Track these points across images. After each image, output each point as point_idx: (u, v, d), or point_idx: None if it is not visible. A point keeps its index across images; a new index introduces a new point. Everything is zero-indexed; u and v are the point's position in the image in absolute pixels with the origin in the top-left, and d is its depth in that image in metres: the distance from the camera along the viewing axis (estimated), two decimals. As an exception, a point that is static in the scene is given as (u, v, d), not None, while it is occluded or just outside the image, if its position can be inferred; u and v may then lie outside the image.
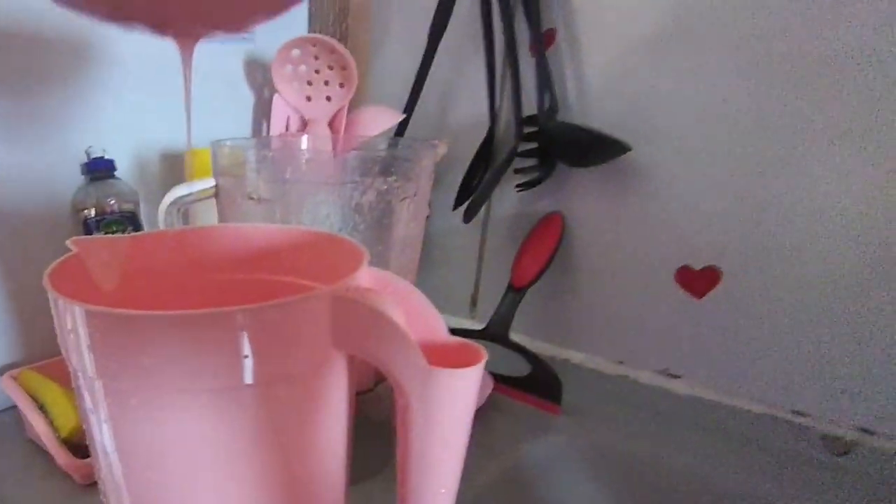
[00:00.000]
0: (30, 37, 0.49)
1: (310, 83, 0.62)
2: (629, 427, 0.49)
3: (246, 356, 0.21)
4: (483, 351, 0.24)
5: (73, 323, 0.21)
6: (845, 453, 0.47)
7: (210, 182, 0.44)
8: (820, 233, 0.46)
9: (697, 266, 0.52)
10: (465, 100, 0.65)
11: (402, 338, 0.22)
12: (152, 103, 0.57)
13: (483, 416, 0.48)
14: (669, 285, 0.54)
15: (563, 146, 0.55)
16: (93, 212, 0.50)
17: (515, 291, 0.58)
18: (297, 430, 0.24)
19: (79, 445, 0.41)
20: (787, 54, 0.45)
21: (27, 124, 0.51)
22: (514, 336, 0.57)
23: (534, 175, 0.58)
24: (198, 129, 0.43)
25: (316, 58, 0.60)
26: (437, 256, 0.71)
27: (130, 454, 0.23)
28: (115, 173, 0.53)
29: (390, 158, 0.42)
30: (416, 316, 0.25)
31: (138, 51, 0.55)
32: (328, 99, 0.62)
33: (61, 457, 0.40)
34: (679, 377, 0.55)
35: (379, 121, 0.61)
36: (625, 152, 0.52)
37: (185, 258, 0.31)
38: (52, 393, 0.44)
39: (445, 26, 0.59)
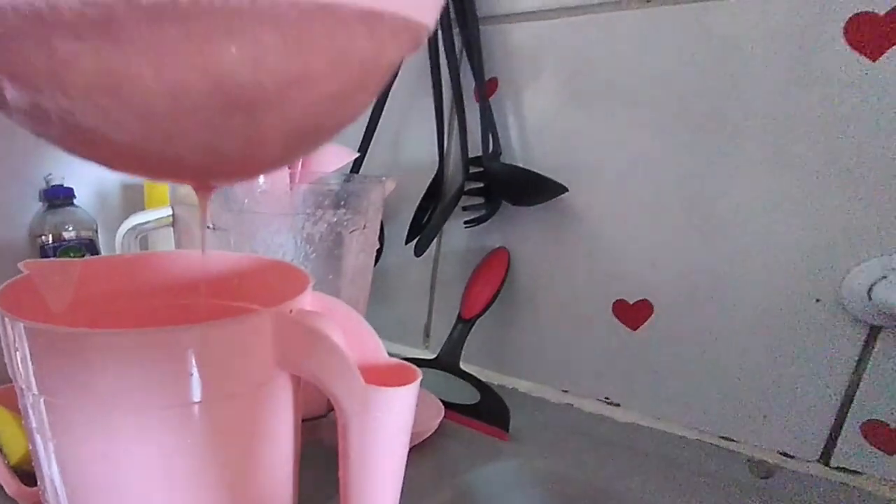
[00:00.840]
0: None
1: None
2: (573, 452, 0.50)
3: (192, 374, 0.21)
4: (417, 371, 0.25)
5: (17, 340, 0.21)
6: (768, 476, 0.49)
7: (167, 211, 0.44)
8: (745, 269, 0.49)
9: (631, 300, 0.55)
10: (415, 141, 0.67)
11: (339, 357, 0.23)
12: None
13: (434, 442, 0.49)
14: (608, 317, 0.56)
15: (506, 186, 0.58)
16: (50, 238, 0.50)
17: (465, 322, 0.59)
18: (243, 447, 0.24)
19: (28, 473, 0.39)
20: (703, 111, 0.49)
21: None
22: (465, 365, 0.59)
23: (481, 212, 0.60)
24: None
25: None
26: (391, 289, 0.72)
27: (76, 474, 0.23)
28: (75, 201, 0.53)
29: (341, 193, 0.44)
30: (356, 338, 0.26)
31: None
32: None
33: (9, 484, 0.39)
34: (618, 405, 0.57)
35: (335, 158, 0.62)
36: (562, 193, 0.54)
37: (137, 283, 0.31)
38: (1, 420, 0.42)
39: (397, 73, 0.61)
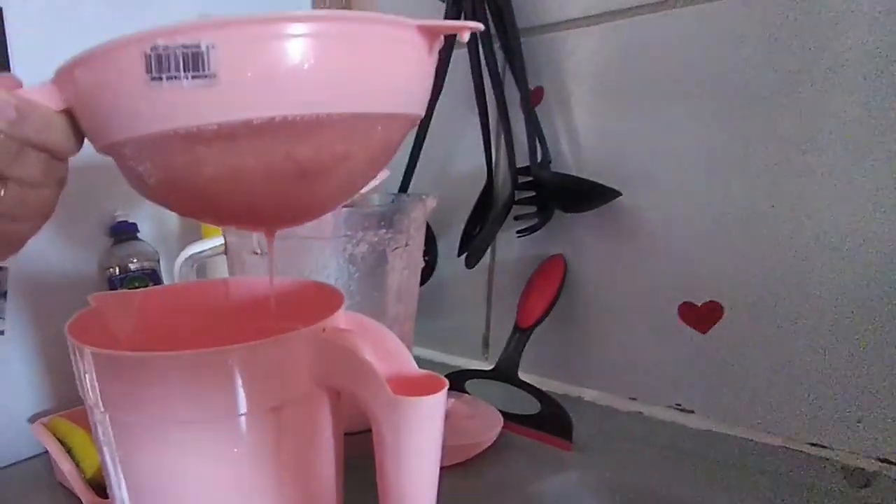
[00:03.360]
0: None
1: None
2: (643, 462, 0.50)
3: (237, 390, 0.25)
4: (444, 380, 0.27)
5: (85, 363, 0.26)
6: (867, 485, 0.47)
7: (220, 240, 0.49)
8: (822, 260, 0.48)
9: (699, 302, 0.55)
10: (463, 154, 0.70)
11: (369, 370, 0.26)
12: None
13: (494, 454, 0.51)
14: (674, 321, 0.56)
15: (558, 194, 0.60)
16: (117, 270, 0.56)
17: (522, 331, 0.61)
18: (288, 456, 0.28)
19: (103, 486, 0.46)
20: (762, 100, 0.49)
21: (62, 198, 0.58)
22: (524, 375, 0.60)
23: (533, 221, 0.62)
24: None
25: None
26: (447, 302, 0.75)
27: (138, 483, 0.27)
28: (139, 235, 0.60)
29: (382, 213, 0.47)
30: (386, 352, 0.29)
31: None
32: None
33: (86, 495, 0.45)
34: (692, 412, 0.57)
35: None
36: (615, 198, 0.56)
37: (191, 308, 0.36)
38: (78, 437, 0.49)
39: (440, 89, 0.65)
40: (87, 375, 0.26)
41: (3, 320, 0.55)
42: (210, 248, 0.48)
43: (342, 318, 0.30)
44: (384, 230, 0.45)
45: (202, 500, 0.27)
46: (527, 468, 0.50)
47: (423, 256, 0.58)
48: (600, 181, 0.56)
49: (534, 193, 0.62)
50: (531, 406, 0.57)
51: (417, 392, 0.26)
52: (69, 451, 0.49)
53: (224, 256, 0.49)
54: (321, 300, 0.33)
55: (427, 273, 0.73)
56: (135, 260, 0.57)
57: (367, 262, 0.45)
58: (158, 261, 0.60)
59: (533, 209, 0.62)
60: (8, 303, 0.55)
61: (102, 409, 0.26)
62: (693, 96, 0.52)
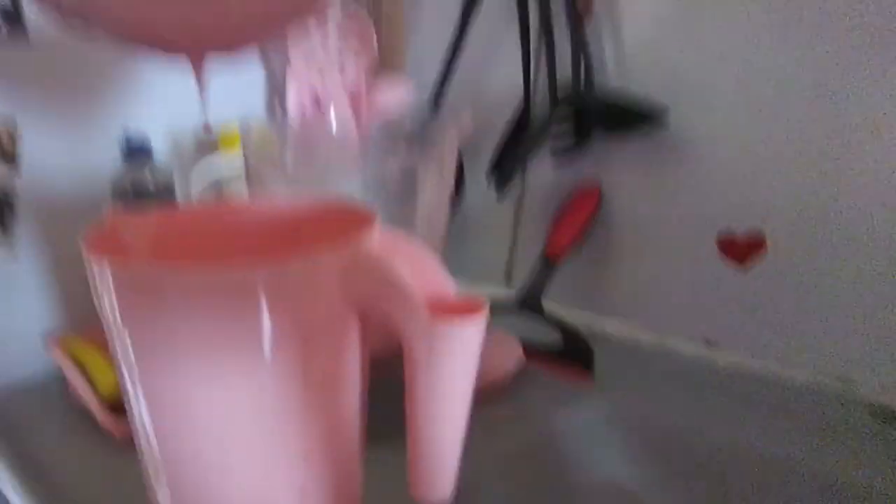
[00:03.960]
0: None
1: (321, 54, 0.63)
2: (667, 398, 0.50)
3: (263, 310, 0.23)
4: (484, 303, 0.25)
5: (101, 277, 0.24)
6: (893, 421, 0.46)
7: (239, 158, 0.47)
8: (872, 201, 0.46)
9: (740, 231, 0.52)
10: (500, 71, 0.67)
11: (405, 291, 0.24)
12: (180, 83, 0.59)
13: (513, 386, 0.50)
14: (711, 253, 0.54)
15: (599, 114, 0.57)
16: (131, 189, 0.55)
17: (549, 261, 0.59)
18: (315, 381, 0.26)
19: (117, 406, 0.45)
20: (819, 15, 0.45)
21: (67, 113, 0.56)
22: (549, 306, 0.59)
23: (571, 141, 0.59)
24: (216, 104, 0.47)
25: (331, 26, 0.61)
26: (472, 229, 0.73)
27: (158, 407, 0.26)
28: (151, 152, 0.57)
29: (413, 130, 0.44)
30: (422, 272, 0.27)
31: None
32: (341, 69, 0.63)
33: (101, 415, 0.45)
34: (720, 347, 0.55)
35: (396, 94, 0.63)
36: (662, 116, 0.53)
37: (212, 230, 0.34)
38: (92, 357, 0.48)
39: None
40: (104, 289, 0.24)
41: (15, 241, 0.54)
42: (228, 167, 0.46)
43: (375, 237, 0.27)
44: (416, 147, 0.42)
45: (224, 422, 0.25)
46: (546, 401, 0.49)
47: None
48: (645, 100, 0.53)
49: (572, 112, 0.58)
50: (553, 338, 0.56)
51: (455, 314, 0.24)
52: (83, 371, 0.48)
53: (243, 176, 0.47)
54: (352, 219, 0.30)
55: (453, 200, 0.71)
56: (149, 177, 0.55)
57: (397, 183, 0.42)
58: (172, 178, 0.57)
59: (569, 128, 0.59)
60: (19, 221, 0.54)
61: (120, 327, 0.24)
62: (751, 8, 0.48)
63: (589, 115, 0.57)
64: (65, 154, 0.56)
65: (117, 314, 0.24)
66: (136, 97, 0.60)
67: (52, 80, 0.55)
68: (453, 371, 0.25)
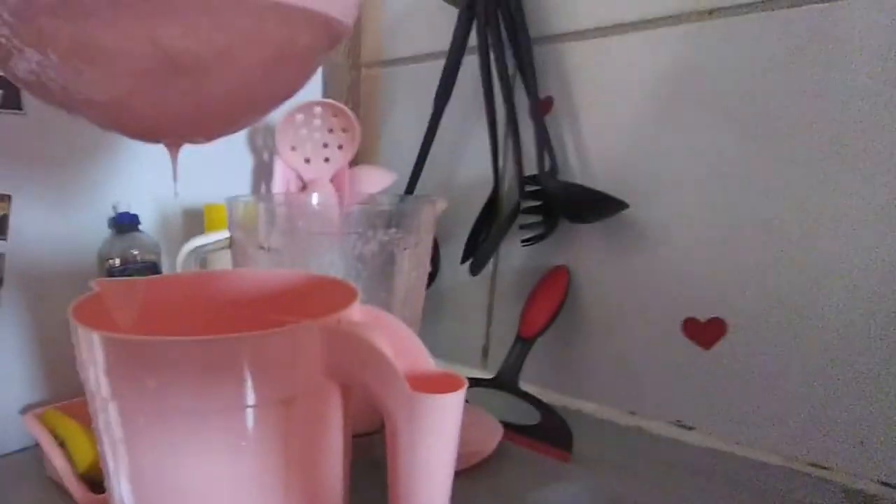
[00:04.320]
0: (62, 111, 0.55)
1: (309, 146, 0.67)
2: (642, 478, 0.50)
3: (246, 380, 0.24)
4: (463, 379, 0.26)
5: (89, 348, 0.24)
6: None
7: (225, 234, 0.48)
8: (827, 283, 0.48)
9: (703, 318, 0.54)
10: (470, 160, 0.70)
11: (386, 365, 0.25)
12: (169, 164, 0.62)
13: (493, 463, 0.50)
14: (677, 336, 0.56)
15: (564, 204, 0.59)
16: (118, 261, 0.55)
17: (524, 342, 0.60)
18: (296, 451, 0.26)
19: (96, 482, 0.44)
20: (776, 114, 0.49)
21: (58, 183, 0.57)
22: (525, 386, 0.60)
23: (538, 231, 0.61)
24: (204, 187, 0.48)
25: (318, 121, 0.65)
26: (448, 309, 0.74)
27: (141, 476, 0.26)
28: (140, 227, 0.58)
29: (392, 213, 0.46)
30: (403, 348, 0.28)
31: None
32: (326, 160, 0.67)
33: (77, 491, 0.43)
34: (693, 428, 0.56)
35: (374, 181, 0.66)
36: (622, 209, 0.55)
37: (197, 299, 0.35)
38: (71, 430, 0.47)
39: (449, 94, 0.64)
40: (88, 360, 0.24)
41: None
42: (214, 242, 0.47)
43: (357, 311, 0.28)
44: (394, 229, 0.44)
45: (204, 493, 0.25)
46: (525, 478, 0.49)
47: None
48: (607, 192, 0.56)
49: (540, 203, 0.61)
50: (531, 417, 0.56)
51: (436, 390, 0.25)
52: (61, 445, 0.46)
53: (228, 251, 0.47)
54: (334, 294, 0.31)
55: (430, 279, 0.72)
56: (136, 252, 0.56)
57: (376, 261, 0.44)
58: (160, 254, 0.58)
59: (538, 218, 0.61)
60: (4, 290, 0.54)
61: (105, 396, 0.24)
62: (703, 109, 0.52)
63: (555, 204, 0.60)
64: (53, 224, 0.56)
65: (102, 384, 0.24)
66: (127, 170, 0.61)
67: (45, 150, 0.55)
68: (434, 445, 0.25)
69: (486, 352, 0.71)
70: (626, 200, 0.55)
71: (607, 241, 0.59)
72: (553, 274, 0.62)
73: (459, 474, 0.47)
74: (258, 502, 0.26)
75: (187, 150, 0.62)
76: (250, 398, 0.24)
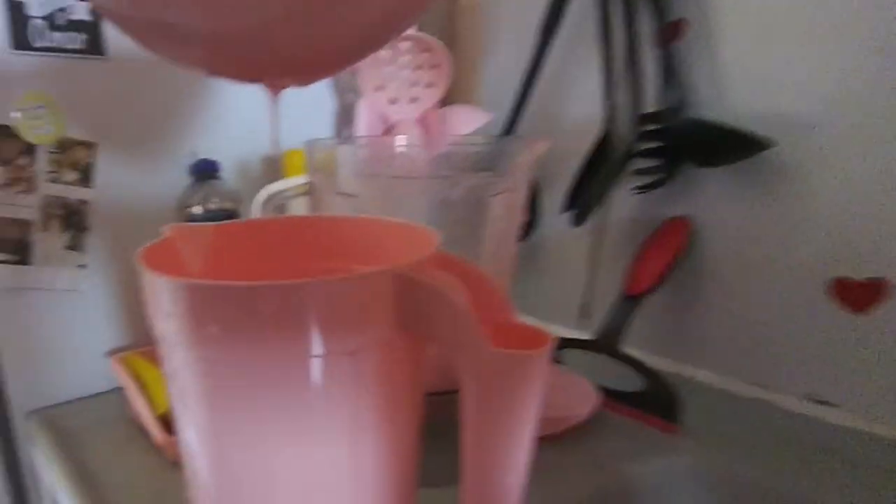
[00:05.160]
0: (143, 56, 0.58)
1: (395, 86, 0.66)
2: (762, 456, 0.47)
3: (312, 329, 0.24)
4: (550, 335, 0.25)
5: (154, 292, 0.25)
6: None
7: (303, 179, 0.49)
8: None
9: (858, 277, 0.50)
10: (578, 98, 0.67)
11: (463, 317, 0.24)
12: (256, 110, 0.64)
13: (586, 431, 0.49)
14: (821, 298, 0.52)
15: (691, 144, 0.56)
16: (197, 209, 0.58)
17: (629, 300, 0.58)
18: (364, 404, 0.26)
19: (171, 424, 0.48)
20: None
21: (140, 131, 0.61)
22: (628, 349, 0.58)
23: (656, 176, 0.58)
24: (285, 133, 0.51)
25: (406, 58, 0.64)
26: (545, 264, 0.73)
27: (204, 422, 0.27)
28: (219, 174, 0.61)
29: (483, 154, 0.45)
30: (486, 301, 0.27)
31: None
32: (413, 100, 0.66)
33: (155, 432, 0.48)
34: (828, 403, 0.52)
35: (467, 121, 0.65)
36: (765, 149, 0.51)
37: (268, 246, 0.35)
38: (152, 374, 0.52)
39: (558, 21, 0.62)
40: (157, 305, 0.26)
41: (85, 254, 0.59)
42: (292, 188, 0.48)
43: (436, 259, 0.28)
44: (485, 172, 0.43)
45: (268, 443, 0.26)
46: (623, 449, 0.48)
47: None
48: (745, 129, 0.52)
49: (659, 144, 0.58)
50: (633, 383, 0.55)
51: (519, 346, 0.24)
52: (143, 388, 0.51)
53: (306, 198, 0.48)
54: (412, 241, 0.31)
55: (527, 231, 0.72)
56: (215, 199, 0.58)
57: (463, 208, 0.43)
58: (240, 201, 0.61)
59: (656, 162, 0.58)
60: (89, 238, 0.58)
61: (171, 342, 0.26)
62: (872, 33, 0.46)
63: (678, 145, 0.57)
64: (136, 172, 0.61)
65: (168, 329, 0.25)
66: (208, 118, 0.64)
67: (129, 98, 0.60)
68: (514, 407, 0.25)
69: (585, 311, 0.70)
70: (769, 138, 0.51)
71: (740, 188, 0.56)
72: (670, 225, 0.59)
73: (547, 441, 0.48)
74: (324, 454, 0.27)
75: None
76: (316, 348, 0.24)
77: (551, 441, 0.48)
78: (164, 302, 0.25)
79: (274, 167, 0.64)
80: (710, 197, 0.58)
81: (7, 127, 0.54)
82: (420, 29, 0.75)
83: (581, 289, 0.70)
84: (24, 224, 0.56)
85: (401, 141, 0.57)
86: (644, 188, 0.59)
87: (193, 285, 0.24)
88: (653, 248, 0.59)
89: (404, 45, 0.64)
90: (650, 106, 0.57)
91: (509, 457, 0.25)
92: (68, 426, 0.56)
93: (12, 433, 0.59)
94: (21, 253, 0.57)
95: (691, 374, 0.61)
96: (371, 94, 0.66)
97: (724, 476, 0.45)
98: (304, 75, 0.31)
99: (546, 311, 0.73)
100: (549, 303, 0.73)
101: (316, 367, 0.25)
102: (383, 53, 0.64)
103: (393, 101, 0.67)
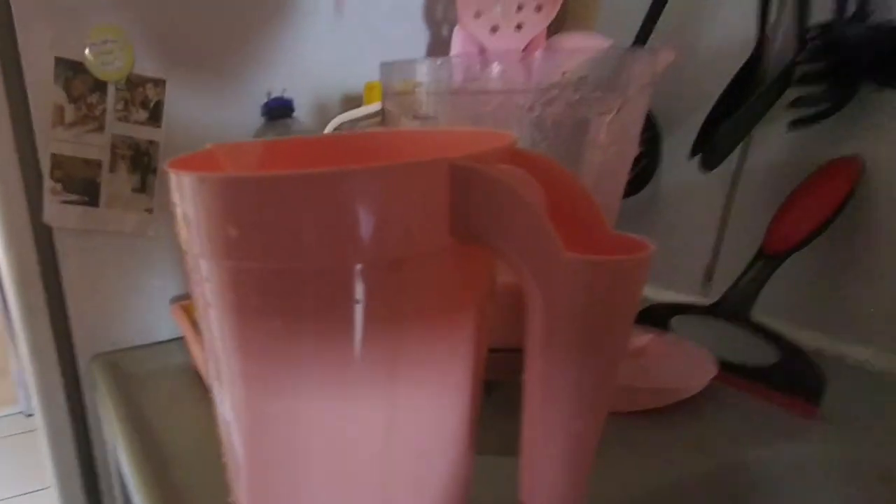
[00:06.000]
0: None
1: (499, 10, 0.62)
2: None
3: (349, 229, 0.21)
4: (647, 243, 0.21)
5: (178, 195, 0.24)
6: None
7: (376, 106, 0.47)
8: None
9: None
10: (719, 17, 0.62)
11: (530, 215, 0.21)
12: (335, 47, 0.65)
13: (700, 406, 0.48)
14: None
15: (873, 60, 0.50)
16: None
17: (768, 259, 0.53)
18: (403, 336, 0.24)
19: None
20: None
21: (212, 68, 0.62)
22: (760, 317, 0.53)
23: (822, 105, 0.52)
24: (371, 67, 0.49)
25: None
26: (664, 216, 0.69)
27: (231, 339, 0.25)
28: (294, 113, 0.61)
29: (590, 63, 0.41)
30: (570, 205, 0.24)
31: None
32: (518, 27, 0.62)
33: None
34: None
35: (581, 49, 0.61)
36: None
37: (321, 162, 0.33)
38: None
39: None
40: (181, 211, 0.24)
41: (152, 198, 0.60)
42: (363, 116, 0.46)
43: (507, 154, 0.24)
44: (589, 86, 0.39)
45: (297, 378, 0.24)
46: (742, 429, 0.46)
47: (641, 145, 0.51)
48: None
49: (824, 65, 0.52)
50: (764, 356, 0.51)
51: (598, 253, 0.20)
52: (200, 336, 0.52)
53: (380, 127, 0.46)
54: (487, 145, 0.28)
55: (643, 179, 0.67)
56: (290, 133, 0.58)
57: (561, 128, 0.39)
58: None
59: (821, 88, 0.52)
60: (158, 179, 0.60)
61: (195, 252, 0.24)
62: None
63: (853, 62, 0.50)
64: (207, 110, 0.62)
65: (198, 237, 0.23)
66: (283, 54, 0.64)
67: (200, 33, 0.60)
68: (587, 323, 0.21)
69: (709, 273, 0.65)
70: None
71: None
72: (834, 166, 0.53)
73: (655, 413, 0.46)
74: (362, 385, 0.24)
75: (352, 24, 0.64)
76: (352, 255, 0.22)
77: (660, 413, 0.47)
78: (187, 205, 0.23)
79: (353, 104, 0.63)
80: (890, 131, 0.51)
81: (79, 63, 0.56)
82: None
83: (703, 249, 0.65)
84: (93, 164, 0.58)
85: (497, 74, 0.54)
86: (803, 122, 0.53)
87: (226, 179, 0.22)
88: (806, 197, 0.54)
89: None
90: (817, 19, 0.52)
91: (582, 386, 0.22)
92: (129, 372, 0.60)
93: (77, 375, 0.65)
94: (90, 194, 0.59)
95: (840, 349, 0.55)
96: (469, 20, 0.63)
97: (871, 471, 0.41)
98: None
99: (663, 274, 0.69)
100: (667, 265, 0.68)
101: (353, 280, 0.22)
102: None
103: (494, 30, 0.64)
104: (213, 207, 0.22)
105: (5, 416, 2.12)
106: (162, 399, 0.55)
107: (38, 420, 0.67)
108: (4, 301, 1.47)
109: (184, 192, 0.23)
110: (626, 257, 0.20)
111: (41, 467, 0.75)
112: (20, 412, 1.88)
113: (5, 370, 2.09)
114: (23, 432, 2.01)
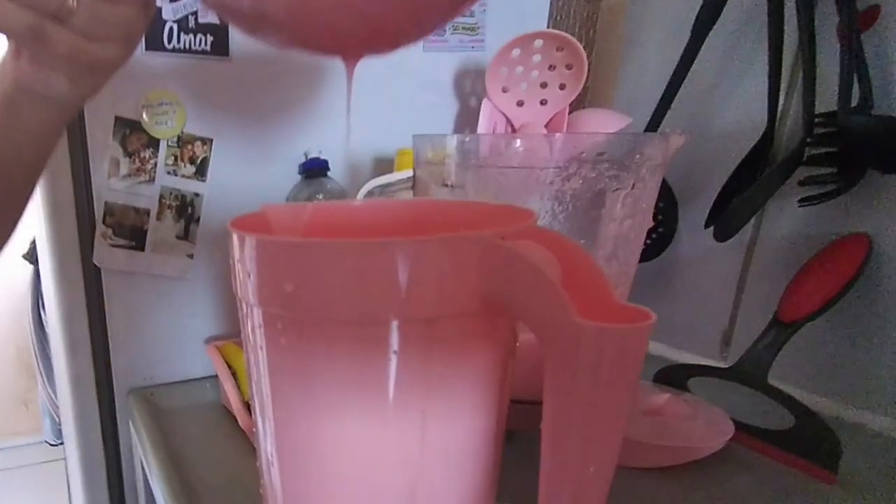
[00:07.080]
0: (264, 57, 0.66)
1: (524, 86, 0.67)
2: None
3: (389, 292, 0.26)
4: (649, 312, 0.25)
5: (239, 252, 0.28)
6: None
7: (408, 173, 0.51)
8: None
9: None
10: (732, 100, 0.66)
11: (547, 286, 0.25)
12: (369, 111, 0.71)
13: (717, 466, 0.49)
14: None
15: (876, 147, 0.53)
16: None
17: (783, 327, 0.56)
18: (434, 382, 0.28)
19: None
20: None
21: (256, 129, 0.68)
22: (776, 382, 0.56)
23: (829, 186, 0.56)
24: (403, 134, 0.56)
25: (537, 57, 0.66)
26: (682, 283, 0.72)
27: (279, 383, 0.29)
28: (328, 173, 0.65)
29: (606, 142, 0.45)
30: (582, 278, 0.27)
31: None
32: (542, 103, 0.67)
33: (242, 416, 0.55)
34: None
35: (601, 126, 0.65)
36: None
37: (363, 227, 0.38)
38: (242, 362, 0.56)
39: (717, 17, 0.62)
40: (238, 265, 0.28)
41: (193, 245, 0.66)
42: (396, 181, 0.50)
43: (529, 232, 0.29)
44: (606, 165, 0.43)
45: (336, 412, 0.28)
46: (757, 491, 0.47)
47: (655, 217, 0.55)
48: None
49: (834, 149, 0.56)
50: (780, 420, 0.53)
51: (608, 320, 0.24)
52: (234, 375, 0.58)
53: (410, 191, 0.51)
54: (508, 222, 0.32)
55: (661, 245, 0.71)
56: (322, 196, 0.63)
57: (579, 200, 0.43)
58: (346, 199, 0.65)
59: (831, 170, 0.56)
60: (199, 229, 0.65)
61: (250, 302, 0.28)
62: None
63: (859, 150, 0.54)
64: (248, 168, 0.68)
65: (247, 286, 0.28)
66: (321, 118, 0.70)
67: (247, 96, 0.67)
68: (598, 382, 0.24)
69: (727, 337, 0.67)
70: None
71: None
72: (844, 243, 0.57)
73: (672, 471, 0.48)
74: (395, 425, 0.28)
75: (387, 94, 0.69)
76: (391, 312, 0.26)
77: (677, 472, 0.48)
78: (244, 259, 0.28)
79: (385, 169, 0.68)
80: (894, 212, 0.55)
81: (136, 122, 0.62)
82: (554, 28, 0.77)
83: (720, 314, 0.68)
84: (142, 212, 0.65)
85: (521, 148, 0.59)
86: (812, 199, 0.57)
87: (275, 241, 0.27)
88: (819, 270, 0.57)
89: (536, 42, 0.65)
90: (823, 107, 0.56)
91: (596, 438, 0.25)
92: (163, 406, 0.65)
93: (114, 408, 0.70)
94: (137, 239, 0.65)
95: (852, 415, 0.57)
96: (497, 94, 0.68)
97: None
98: (388, 41, 0.34)
99: (678, 336, 0.71)
100: (685, 328, 0.71)
101: (390, 332, 0.26)
102: (515, 51, 0.65)
103: (520, 104, 0.68)
104: (272, 266, 0.27)
105: (28, 444, 2.24)
106: (195, 433, 0.59)
107: (71, 450, 0.72)
108: (38, 335, 1.53)
109: (244, 250, 0.28)
110: (631, 325, 0.24)
111: (64, 495, 0.80)
112: (43, 441, 1.94)
113: (30, 400, 2.21)
114: (46, 461, 2.10)
